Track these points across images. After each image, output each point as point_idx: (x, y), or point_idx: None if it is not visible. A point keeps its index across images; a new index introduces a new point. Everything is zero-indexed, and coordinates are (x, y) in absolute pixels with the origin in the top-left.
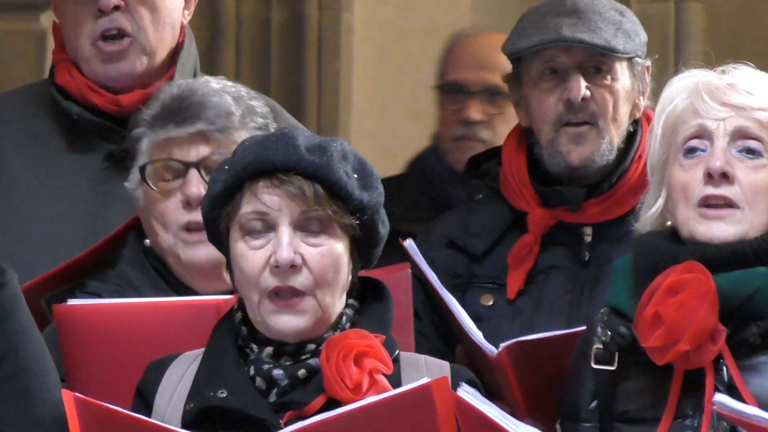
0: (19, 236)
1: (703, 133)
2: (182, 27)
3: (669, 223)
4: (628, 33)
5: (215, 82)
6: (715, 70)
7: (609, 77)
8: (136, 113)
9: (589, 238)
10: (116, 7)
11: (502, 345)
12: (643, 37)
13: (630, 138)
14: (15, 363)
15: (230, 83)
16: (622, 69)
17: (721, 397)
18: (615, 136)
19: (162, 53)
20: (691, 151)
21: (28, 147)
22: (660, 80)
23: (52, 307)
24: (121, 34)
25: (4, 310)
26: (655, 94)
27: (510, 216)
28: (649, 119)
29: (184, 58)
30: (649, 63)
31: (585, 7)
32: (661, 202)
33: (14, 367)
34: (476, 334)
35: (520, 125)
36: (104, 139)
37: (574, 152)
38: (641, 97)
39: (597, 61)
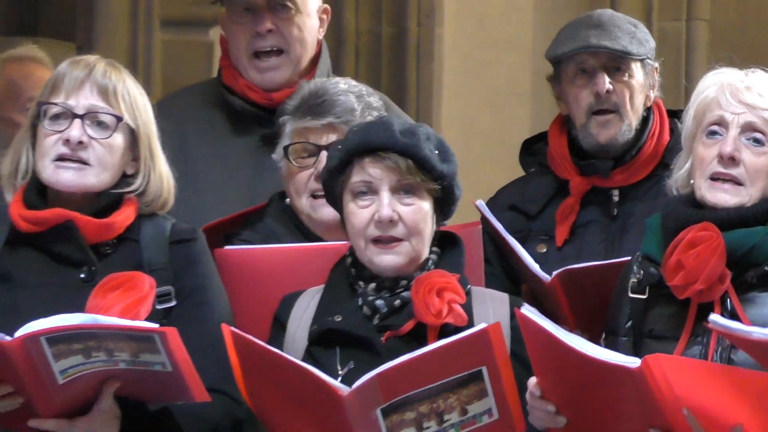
0: (197, 199)
1: (722, 122)
2: (318, 41)
3: (692, 181)
4: (640, 40)
5: (343, 83)
6: (742, 71)
7: (627, 75)
8: (282, 104)
9: (616, 198)
10: (270, 30)
11: (555, 272)
12: (652, 43)
13: (644, 121)
14: (202, 295)
15: (354, 83)
16: (636, 68)
17: (714, 317)
18: (633, 120)
19: (305, 62)
20: (711, 134)
21: (203, 131)
22: (674, 79)
23: (213, 252)
24: (275, 50)
25: (196, 257)
26: (662, 89)
27: (556, 184)
28: (659, 106)
29: (321, 64)
30: (657, 64)
31: (607, 21)
32: (687, 165)
33: (201, 299)
34: (534, 266)
35: (561, 114)
36: (259, 125)
37: (602, 134)
38: (652, 90)
39: (617, 62)
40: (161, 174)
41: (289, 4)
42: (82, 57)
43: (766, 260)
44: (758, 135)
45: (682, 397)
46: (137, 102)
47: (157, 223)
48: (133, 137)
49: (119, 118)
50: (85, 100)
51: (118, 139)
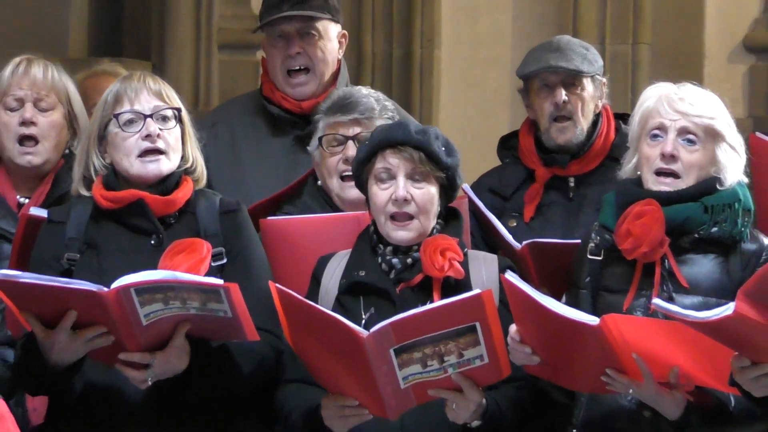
0: (245, 186)
1: (662, 127)
2: (338, 60)
3: (639, 173)
4: (590, 61)
5: (365, 89)
6: (675, 85)
7: (579, 88)
8: (316, 106)
9: (572, 184)
10: (298, 53)
11: (524, 242)
12: (601, 63)
13: (595, 123)
14: (247, 254)
15: (373, 91)
16: (587, 83)
17: (656, 301)
18: (584, 124)
19: (327, 77)
20: (654, 137)
21: (248, 133)
22: (623, 91)
23: (259, 222)
24: (303, 69)
25: (240, 224)
26: (612, 97)
27: (525, 173)
28: (607, 111)
29: (340, 78)
30: (605, 79)
31: (564, 46)
32: (634, 161)
33: (246, 257)
34: (508, 236)
35: (529, 118)
36: (292, 128)
37: (560, 137)
38: (600, 100)
39: (572, 79)
40: (197, 156)
41: (313, 32)
42: (129, 73)
43: (696, 229)
44: (691, 136)
45: (632, 345)
46: (177, 98)
47: (209, 198)
48: (182, 130)
49: (178, 110)
50: (147, 103)
51: (177, 130)
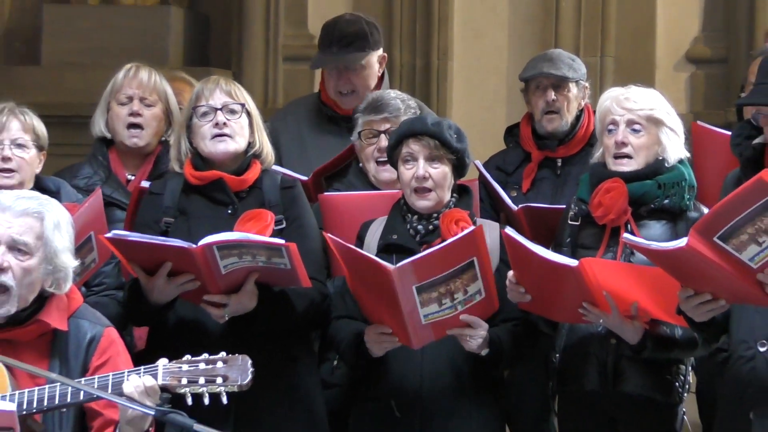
0: (306, 165)
1: (614, 122)
2: (379, 77)
3: (606, 158)
4: (575, 69)
5: (393, 93)
6: (624, 87)
7: (566, 90)
8: (356, 108)
9: (560, 164)
10: (346, 83)
11: (520, 206)
12: (584, 70)
13: (578, 118)
14: (301, 220)
15: (400, 93)
16: (572, 86)
17: (626, 235)
18: (569, 118)
19: (370, 91)
20: (609, 130)
21: (311, 126)
22: (593, 95)
23: (319, 197)
24: (351, 91)
25: (296, 197)
26: (591, 98)
27: (524, 154)
28: (588, 108)
29: (383, 86)
30: (587, 84)
31: (555, 57)
32: (601, 149)
33: (300, 222)
34: (508, 200)
35: (528, 112)
36: (343, 122)
37: (549, 126)
38: (583, 100)
39: (559, 83)
40: (264, 142)
41: (357, 67)
42: (210, 77)
43: (652, 201)
44: (636, 126)
45: (603, 284)
46: (247, 99)
47: (272, 176)
48: (250, 118)
49: (243, 105)
50: (219, 99)
51: (244, 120)
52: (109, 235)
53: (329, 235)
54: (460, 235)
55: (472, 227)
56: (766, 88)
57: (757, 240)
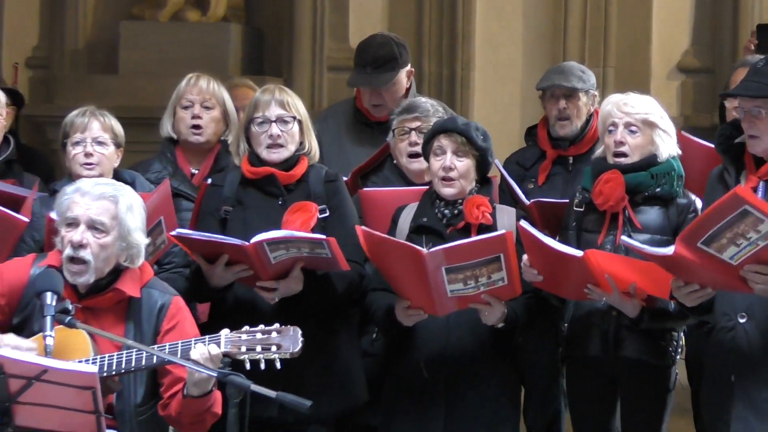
0: (345, 162)
1: (614, 124)
2: (407, 88)
3: (607, 154)
4: (584, 80)
5: (424, 99)
6: (623, 93)
7: (576, 99)
8: (393, 111)
9: (571, 161)
10: (377, 97)
11: (532, 200)
12: (593, 81)
13: (588, 120)
14: (342, 210)
15: (430, 99)
16: (582, 95)
17: (624, 238)
18: (578, 123)
19: (399, 101)
20: (610, 131)
21: (348, 129)
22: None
23: (358, 192)
24: (381, 104)
25: (338, 189)
26: (598, 103)
27: (540, 152)
28: (597, 113)
29: (410, 94)
30: (596, 93)
31: (567, 69)
32: (602, 148)
33: (342, 212)
34: (522, 196)
35: (544, 116)
36: (377, 126)
37: (561, 131)
38: (592, 106)
39: (570, 93)
40: (312, 142)
41: (388, 85)
42: (267, 86)
43: (646, 189)
44: (633, 127)
45: (605, 269)
46: (299, 106)
47: (317, 171)
48: (300, 124)
49: (295, 117)
50: (273, 112)
51: (295, 128)
52: (174, 233)
53: (361, 227)
54: (490, 235)
55: (503, 231)
56: (748, 83)
57: (735, 242)
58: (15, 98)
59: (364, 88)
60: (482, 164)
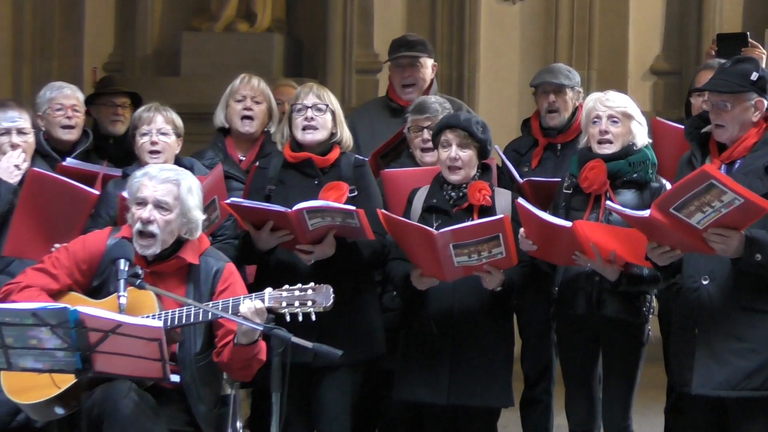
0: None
1: (597, 116)
2: (431, 79)
3: (589, 144)
4: (570, 78)
5: (434, 98)
6: (603, 92)
7: (563, 94)
8: (407, 109)
9: (560, 148)
10: (408, 76)
11: (525, 179)
12: (577, 79)
13: (573, 113)
14: (366, 192)
15: (439, 98)
16: (568, 91)
17: (609, 203)
18: (566, 115)
19: (425, 89)
20: (594, 122)
21: (379, 118)
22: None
23: (381, 173)
24: (411, 84)
25: (365, 172)
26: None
27: (533, 140)
28: (581, 107)
29: (432, 90)
30: (581, 89)
31: (555, 69)
32: (586, 137)
33: (367, 192)
34: (517, 176)
35: (537, 110)
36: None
37: (550, 122)
38: (577, 101)
39: (558, 89)
40: (344, 131)
41: (417, 64)
42: (307, 83)
43: (624, 175)
44: (615, 119)
45: (590, 238)
46: (332, 99)
47: (348, 157)
48: (333, 115)
49: (327, 105)
50: (310, 100)
51: (328, 116)
52: (228, 201)
53: (381, 210)
54: (491, 218)
55: (502, 216)
56: (716, 81)
57: (702, 210)
58: (134, 99)
59: (396, 66)
60: (482, 152)
